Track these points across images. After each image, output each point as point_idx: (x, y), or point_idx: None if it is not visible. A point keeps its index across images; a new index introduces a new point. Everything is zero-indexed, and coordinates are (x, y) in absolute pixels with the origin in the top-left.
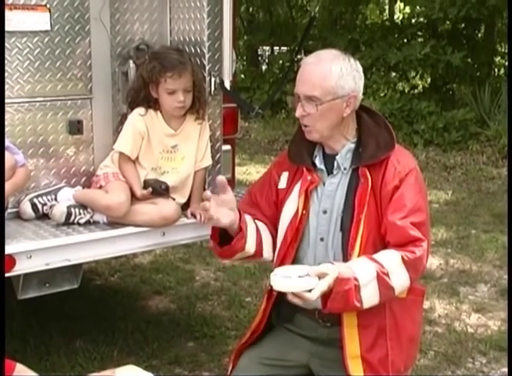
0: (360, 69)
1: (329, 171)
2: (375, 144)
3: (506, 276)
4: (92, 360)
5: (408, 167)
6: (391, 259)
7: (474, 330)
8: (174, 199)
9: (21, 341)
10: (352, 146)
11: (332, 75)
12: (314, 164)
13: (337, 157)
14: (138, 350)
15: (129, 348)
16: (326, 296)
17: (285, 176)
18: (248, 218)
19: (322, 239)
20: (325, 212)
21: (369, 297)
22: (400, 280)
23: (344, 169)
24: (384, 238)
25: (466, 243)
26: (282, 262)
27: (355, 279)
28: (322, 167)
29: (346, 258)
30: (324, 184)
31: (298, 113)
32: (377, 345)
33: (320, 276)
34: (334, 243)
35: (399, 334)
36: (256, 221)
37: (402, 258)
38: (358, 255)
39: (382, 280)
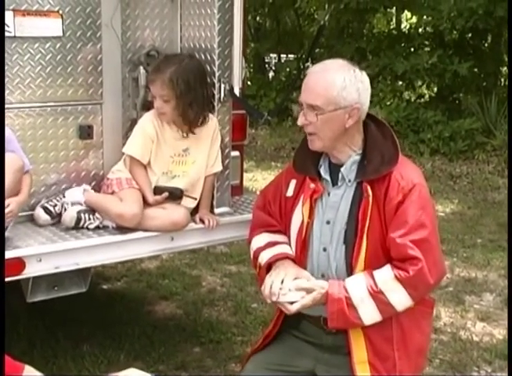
0: (365, 80)
1: (334, 182)
2: (379, 158)
3: None
4: (99, 364)
5: (411, 182)
6: (384, 277)
7: (480, 338)
8: (196, 198)
9: (28, 344)
10: (357, 158)
11: (335, 85)
12: (319, 174)
13: (342, 169)
14: (145, 355)
15: (136, 352)
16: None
17: (293, 184)
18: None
19: (324, 249)
20: (328, 223)
21: (368, 314)
22: (398, 298)
23: (349, 181)
24: (388, 252)
25: (472, 252)
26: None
27: (347, 298)
28: (327, 177)
29: (350, 270)
30: (329, 194)
31: (300, 121)
32: (384, 355)
33: (308, 292)
34: (337, 254)
35: (407, 344)
36: (283, 241)
37: (395, 276)
38: (363, 268)
39: (376, 297)
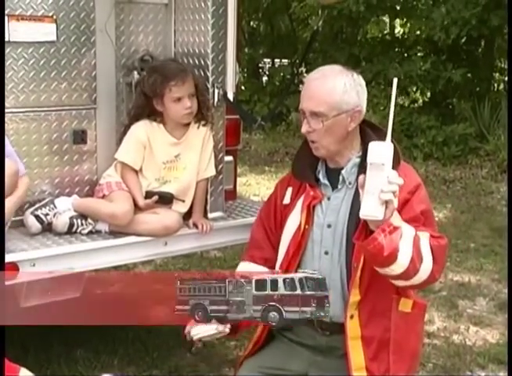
0: (363, 83)
1: (334, 186)
2: None
3: (505, 290)
4: (93, 369)
5: (416, 181)
6: (422, 234)
7: (473, 343)
8: (184, 201)
9: (22, 349)
10: (357, 160)
11: (336, 90)
12: (317, 180)
13: (343, 172)
14: (139, 359)
15: (129, 357)
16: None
17: (289, 192)
18: None
19: (326, 252)
20: (329, 226)
21: (405, 251)
22: (428, 256)
23: (349, 183)
24: None
25: (465, 256)
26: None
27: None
28: (326, 182)
29: (350, 270)
30: (329, 199)
31: (304, 129)
32: (379, 359)
33: None
34: (341, 256)
35: (402, 348)
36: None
37: (429, 239)
38: (363, 268)
39: (416, 242)
